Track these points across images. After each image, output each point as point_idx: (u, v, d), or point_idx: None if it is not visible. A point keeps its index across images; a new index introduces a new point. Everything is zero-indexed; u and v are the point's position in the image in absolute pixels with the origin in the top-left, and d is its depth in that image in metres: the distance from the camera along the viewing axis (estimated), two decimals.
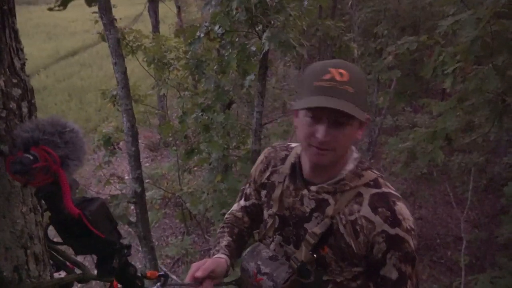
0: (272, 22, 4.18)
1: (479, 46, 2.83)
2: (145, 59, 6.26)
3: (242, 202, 1.56)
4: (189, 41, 4.75)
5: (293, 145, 1.43)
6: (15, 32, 0.73)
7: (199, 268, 1.24)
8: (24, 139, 0.63)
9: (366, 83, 1.19)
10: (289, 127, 6.35)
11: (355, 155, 1.26)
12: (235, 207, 1.60)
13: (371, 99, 9.52)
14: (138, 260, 8.24)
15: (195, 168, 8.02)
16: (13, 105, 0.71)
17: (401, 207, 1.16)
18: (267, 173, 1.43)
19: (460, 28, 3.08)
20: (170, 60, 6.31)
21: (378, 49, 9.51)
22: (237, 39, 5.11)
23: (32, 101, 0.78)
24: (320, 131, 1.10)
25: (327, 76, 1.08)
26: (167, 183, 8.24)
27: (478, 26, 2.79)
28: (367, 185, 1.21)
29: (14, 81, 0.72)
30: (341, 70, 1.09)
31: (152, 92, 8.47)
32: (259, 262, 1.33)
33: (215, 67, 5.12)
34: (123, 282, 0.84)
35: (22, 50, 0.76)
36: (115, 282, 0.97)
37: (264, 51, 4.12)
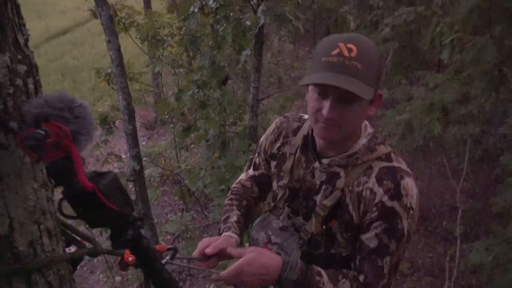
0: None
1: (477, 16, 2.81)
2: (138, 36, 6.17)
3: (251, 171, 1.55)
4: (183, 16, 4.69)
5: (305, 116, 1.41)
6: (17, 7, 0.73)
7: (209, 244, 1.26)
8: (34, 115, 0.63)
9: (379, 58, 1.16)
10: (286, 102, 6.34)
11: (369, 130, 1.25)
12: (243, 176, 1.59)
13: None
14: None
15: (192, 146, 8.03)
16: (19, 81, 0.71)
17: (408, 183, 1.15)
18: (278, 144, 1.42)
19: None
20: (164, 36, 6.22)
21: (374, 21, 9.39)
22: (231, 14, 5.04)
23: (37, 78, 0.77)
24: (326, 107, 1.08)
25: (335, 51, 1.06)
26: (165, 161, 8.26)
27: None
28: (379, 159, 1.21)
29: (19, 57, 0.71)
30: (350, 45, 1.06)
31: (146, 70, 8.38)
32: (269, 232, 1.35)
33: (210, 43, 5.06)
34: (136, 253, 0.86)
35: (24, 25, 0.75)
36: (126, 255, 0.99)
37: (259, 25, 4.08)
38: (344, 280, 1.18)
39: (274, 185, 1.43)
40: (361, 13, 10.06)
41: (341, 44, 1.06)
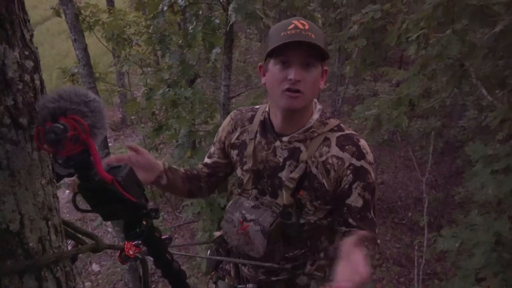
0: None
1: (441, 12, 2.95)
2: (104, 35, 6.03)
3: (206, 159, 1.67)
4: (152, 14, 4.63)
5: (257, 106, 1.56)
6: (22, 3, 0.72)
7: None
8: (51, 110, 0.63)
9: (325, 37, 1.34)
10: (257, 99, 6.39)
11: (318, 106, 1.41)
12: (200, 165, 1.70)
13: (333, 70, 9.65)
14: (108, 240, 8.17)
15: (161, 146, 7.94)
16: (27, 77, 0.70)
17: (364, 143, 1.34)
18: (237, 133, 1.52)
19: None
20: (130, 35, 6.11)
21: (338, 19, 9.58)
22: (200, 12, 5.02)
23: (41, 74, 0.77)
24: (291, 71, 1.23)
25: (291, 26, 1.24)
26: None
27: None
28: (332, 130, 1.37)
29: (26, 53, 0.71)
30: (302, 21, 1.26)
31: (112, 70, 8.20)
32: (243, 211, 1.43)
33: (180, 42, 5.02)
34: (149, 245, 0.87)
35: (29, 21, 0.74)
36: (126, 248, 0.99)
37: (230, 23, 4.08)
38: (366, 243, 1.20)
39: (239, 171, 1.52)
40: (325, 11, 10.24)
41: (295, 21, 1.26)
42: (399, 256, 8.18)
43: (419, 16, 3.26)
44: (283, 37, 1.22)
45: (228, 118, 1.58)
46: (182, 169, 1.59)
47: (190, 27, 4.78)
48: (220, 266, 1.69)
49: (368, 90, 9.86)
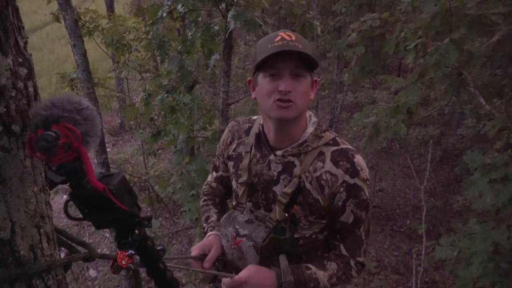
0: (236, 0, 4.15)
1: (439, 22, 2.96)
2: (103, 41, 6.05)
3: (214, 173, 1.68)
4: (151, 21, 4.63)
5: (254, 117, 1.56)
6: (16, 10, 0.72)
7: (203, 251, 1.44)
8: (44, 117, 0.63)
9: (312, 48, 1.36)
10: (256, 106, 6.40)
11: (314, 119, 1.39)
12: (209, 178, 1.72)
13: (332, 77, 9.68)
14: (105, 246, 8.14)
15: (160, 151, 7.93)
16: (20, 84, 0.70)
17: (359, 159, 1.32)
18: (233, 145, 1.52)
19: (420, 5, 3.19)
20: (129, 41, 6.13)
21: (337, 27, 9.63)
22: (199, 19, 5.03)
23: (35, 81, 0.77)
24: (281, 83, 1.22)
25: (278, 38, 1.24)
26: (132, 168, 8.11)
27: (438, 2, 2.91)
28: (327, 144, 1.35)
29: (20, 60, 0.71)
30: (289, 33, 1.26)
31: (111, 75, 8.22)
32: (237, 226, 1.42)
33: (179, 48, 5.03)
34: (141, 254, 0.86)
35: (23, 28, 0.74)
36: (119, 258, 0.99)
37: (229, 30, 4.10)
38: (329, 262, 1.33)
39: (234, 184, 1.52)
40: (324, 18, 10.30)
41: (281, 33, 1.26)
42: (397, 264, 8.15)
43: (417, 25, 3.28)
44: (270, 48, 1.22)
45: (226, 130, 1.59)
46: (217, 212, 1.63)
47: (190, 34, 4.79)
48: (218, 277, 1.68)
49: (367, 97, 9.89)
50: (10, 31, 0.69)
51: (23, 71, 0.71)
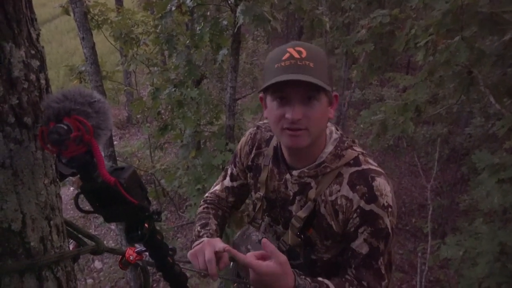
0: None
1: (450, 19, 2.93)
2: (111, 34, 6.05)
3: (227, 183, 1.54)
4: (160, 14, 4.63)
5: None
6: (30, 1, 0.72)
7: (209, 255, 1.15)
8: (56, 110, 0.63)
9: (327, 59, 1.19)
10: None
11: (335, 135, 1.25)
12: (218, 187, 1.57)
13: (340, 74, 9.64)
14: (111, 239, 8.20)
15: (166, 145, 7.96)
16: (33, 76, 0.70)
17: (380, 183, 1.15)
18: (252, 155, 1.42)
19: (431, 2, 3.16)
20: (138, 35, 6.13)
21: (346, 23, 9.58)
22: (208, 13, 5.03)
23: (47, 73, 0.77)
24: (289, 110, 1.08)
25: (286, 56, 1.09)
26: (139, 161, 8.15)
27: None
28: (347, 164, 1.20)
29: (32, 52, 0.71)
30: (299, 48, 1.10)
31: (119, 68, 8.23)
32: (249, 247, 1.35)
33: (187, 42, 5.03)
34: (150, 247, 0.86)
35: (36, 20, 0.74)
36: (127, 254, 0.99)
37: (238, 24, 4.08)
38: (350, 287, 1.17)
39: (253, 195, 1.44)
40: (333, 15, 10.24)
41: (290, 49, 1.10)
42: (402, 262, 8.15)
43: (427, 22, 3.25)
44: (277, 70, 1.08)
45: (246, 137, 1.46)
46: (216, 224, 1.44)
47: (198, 28, 4.78)
48: (241, 276, 1.56)
49: (375, 95, 9.84)
50: (23, 23, 0.69)
51: (35, 63, 0.71)
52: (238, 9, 3.91)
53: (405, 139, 8.59)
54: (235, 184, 1.52)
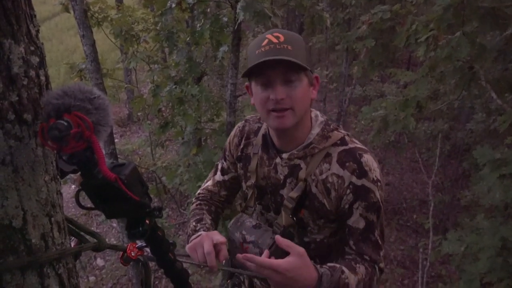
0: None
1: (451, 14, 2.92)
2: (112, 31, 6.05)
3: (218, 177, 1.58)
4: (160, 12, 4.62)
5: None
6: None
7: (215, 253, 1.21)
8: (56, 106, 0.62)
9: (304, 44, 1.26)
10: None
11: (320, 119, 1.32)
12: (209, 183, 1.60)
13: (341, 70, 9.61)
14: (113, 236, 8.21)
15: (167, 143, 7.96)
16: (32, 73, 0.70)
17: (368, 159, 1.23)
18: (241, 146, 1.47)
19: None
20: (138, 32, 6.12)
21: (346, 19, 9.55)
22: (208, 10, 5.01)
23: (46, 70, 0.77)
24: (272, 91, 1.16)
25: (265, 42, 1.17)
26: (140, 158, 8.15)
27: None
28: (334, 144, 1.27)
29: (32, 48, 0.70)
30: (277, 34, 1.18)
31: (119, 66, 8.23)
32: (243, 232, 1.37)
33: (187, 39, 5.02)
34: (151, 244, 0.86)
35: (35, 16, 0.74)
36: (128, 250, 0.99)
37: (238, 21, 4.07)
38: (358, 265, 1.22)
39: (243, 185, 1.48)
40: (333, 11, 10.20)
41: (269, 36, 1.18)
42: (403, 258, 8.15)
43: (428, 17, 3.24)
44: (258, 55, 1.15)
45: (235, 130, 1.52)
46: (211, 219, 1.47)
47: (198, 25, 4.77)
48: (235, 274, 1.61)
49: (375, 91, 9.82)
50: (22, 19, 0.68)
51: (35, 59, 0.71)
52: (239, 6, 3.90)
53: (406, 135, 8.58)
54: (226, 177, 1.57)
